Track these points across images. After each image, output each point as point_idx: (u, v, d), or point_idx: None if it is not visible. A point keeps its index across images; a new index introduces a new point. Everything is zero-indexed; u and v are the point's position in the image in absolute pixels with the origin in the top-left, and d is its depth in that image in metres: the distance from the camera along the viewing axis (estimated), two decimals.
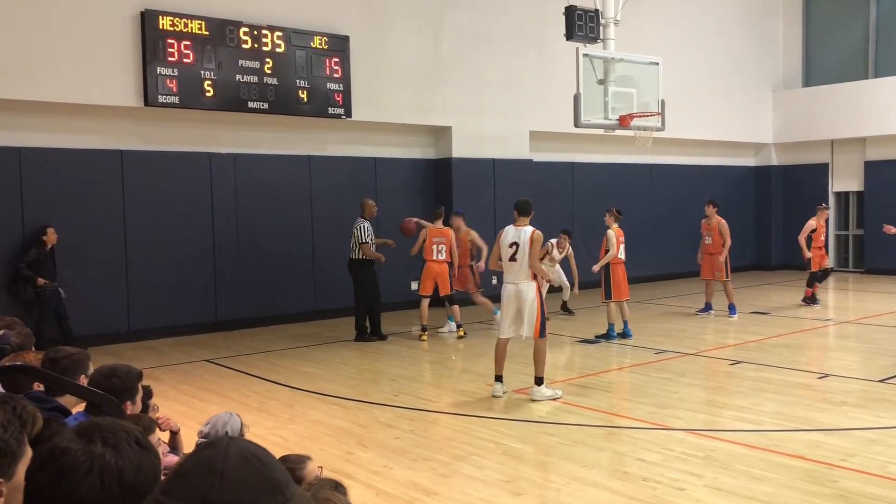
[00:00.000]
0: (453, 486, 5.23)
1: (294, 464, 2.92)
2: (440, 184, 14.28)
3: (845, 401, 7.20)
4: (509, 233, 7.67)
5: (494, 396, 7.67)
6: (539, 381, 7.56)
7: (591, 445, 6.10)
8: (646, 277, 16.78)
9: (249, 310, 12.23)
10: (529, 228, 7.59)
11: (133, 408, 3.35)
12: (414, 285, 13.00)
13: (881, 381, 7.97)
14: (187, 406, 7.37)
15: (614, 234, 10.78)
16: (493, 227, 13.75)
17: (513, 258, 7.55)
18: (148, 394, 3.81)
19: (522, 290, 7.54)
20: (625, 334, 10.79)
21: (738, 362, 9.04)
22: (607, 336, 10.70)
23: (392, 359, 9.92)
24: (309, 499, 1.13)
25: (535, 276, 7.60)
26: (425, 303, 11.16)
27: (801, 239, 13.57)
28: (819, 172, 19.56)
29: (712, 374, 8.82)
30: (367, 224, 10.90)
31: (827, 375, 8.26)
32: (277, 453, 1.21)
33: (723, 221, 12.61)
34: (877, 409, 6.92)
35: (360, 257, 10.86)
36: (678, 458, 5.62)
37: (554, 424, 6.75)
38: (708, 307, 12.84)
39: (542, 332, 7.60)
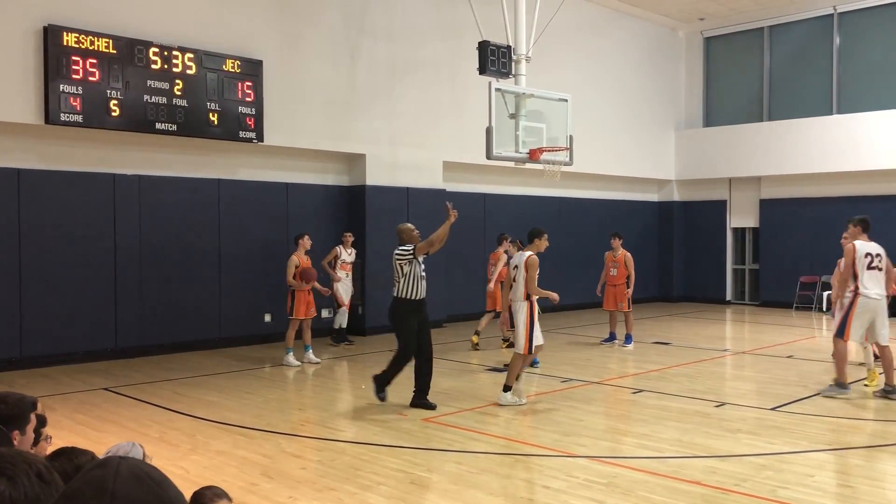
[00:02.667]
0: None
1: (211, 496, 2.84)
2: (353, 211, 14.25)
3: (740, 428, 7.51)
4: (515, 257, 8.88)
5: (500, 404, 8.48)
6: (507, 388, 8.46)
7: (498, 473, 6.15)
8: (553, 307, 17.09)
9: (152, 337, 11.83)
10: (527, 254, 8.59)
11: (23, 438, 3.19)
12: (268, 317, 12.92)
13: (773, 408, 8.35)
14: (82, 437, 7.05)
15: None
16: None
17: (515, 279, 8.64)
18: (41, 421, 3.63)
19: (516, 308, 8.59)
20: (532, 363, 10.96)
21: (640, 391, 9.31)
22: None
23: (299, 388, 9.75)
24: None
25: (527, 297, 8.46)
26: (488, 317, 12.85)
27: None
28: (718, 209, 20.52)
29: (616, 403, 9.05)
30: (399, 248, 8.56)
31: (723, 404, 8.60)
32: (179, 485, 1.19)
33: (628, 254, 13.03)
34: (768, 435, 7.24)
35: (396, 295, 8.49)
36: (582, 485, 5.73)
37: (461, 453, 6.78)
38: (612, 337, 13.20)
39: (529, 349, 8.49)
